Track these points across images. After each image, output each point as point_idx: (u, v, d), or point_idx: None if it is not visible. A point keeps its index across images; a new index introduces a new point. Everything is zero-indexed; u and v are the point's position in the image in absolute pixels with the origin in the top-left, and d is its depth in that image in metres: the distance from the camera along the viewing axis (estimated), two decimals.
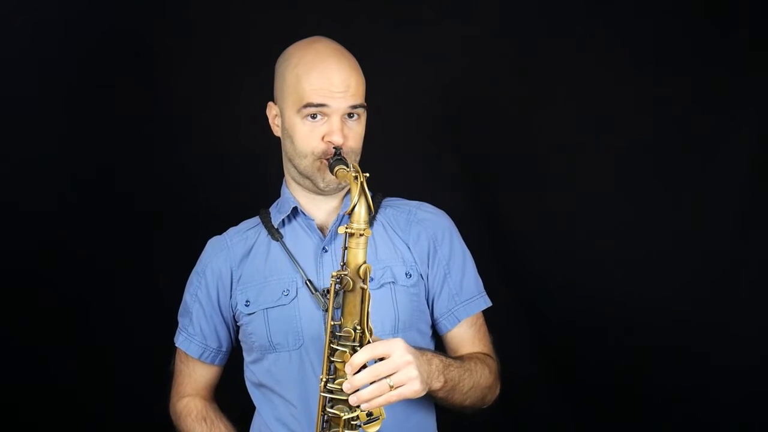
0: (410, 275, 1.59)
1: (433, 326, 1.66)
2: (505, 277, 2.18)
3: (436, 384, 1.44)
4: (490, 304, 1.67)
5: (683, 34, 2.08)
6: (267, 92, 1.66)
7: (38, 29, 2.20)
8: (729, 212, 2.07)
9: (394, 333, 1.55)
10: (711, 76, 2.06)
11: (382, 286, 1.56)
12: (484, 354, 1.63)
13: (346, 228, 1.37)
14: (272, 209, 1.69)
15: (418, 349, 1.43)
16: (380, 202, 1.68)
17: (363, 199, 1.37)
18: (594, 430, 2.22)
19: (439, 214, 1.68)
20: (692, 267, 2.11)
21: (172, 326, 1.77)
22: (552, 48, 2.17)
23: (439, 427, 1.66)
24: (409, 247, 1.62)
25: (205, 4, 2.28)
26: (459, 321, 1.63)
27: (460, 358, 1.57)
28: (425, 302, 1.63)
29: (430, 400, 1.57)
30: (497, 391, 1.62)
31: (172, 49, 2.27)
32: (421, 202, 1.70)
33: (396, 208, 1.67)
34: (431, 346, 1.64)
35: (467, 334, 1.64)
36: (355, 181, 1.38)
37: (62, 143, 2.24)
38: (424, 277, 1.62)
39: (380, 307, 1.55)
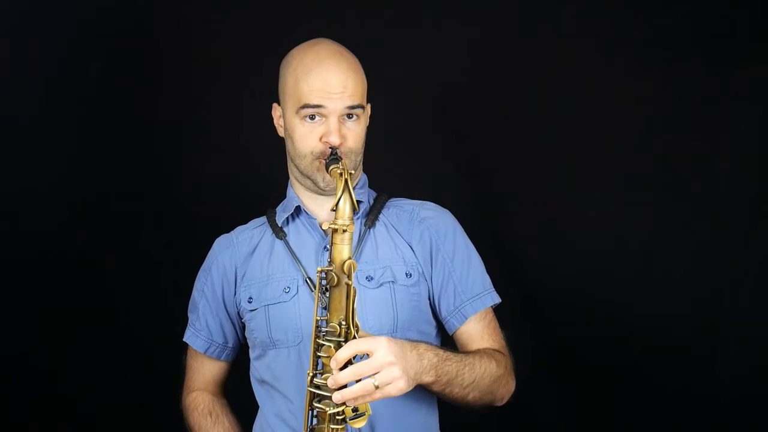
0: (410, 275, 1.59)
1: (442, 325, 1.64)
2: (505, 277, 2.16)
3: (427, 378, 1.42)
4: (498, 300, 1.65)
5: (683, 33, 2.09)
6: (269, 93, 1.66)
7: (41, 30, 2.20)
8: (729, 212, 2.07)
9: (393, 332, 1.54)
10: (711, 73, 2.06)
11: (381, 285, 1.56)
12: (493, 349, 1.60)
13: (331, 224, 1.38)
14: (278, 209, 1.71)
15: (412, 342, 1.43)
16: (384, 203, 1.68)
17: (347, 195, 1.37)
18: (594, 430, 2.22)
19: (441, 212, 1.68)
20: (692, 267, 2.11)
21: (173, 326, 1.78)
22: (552, 48, 2.17)
23: (441, 426, 1.65)
24: (411, 247, 1.62)
25: (206, 5, 2.29)
26: (466, 318, 1.61)
27: (463, 353, 1.55)
28: (427, 302, 1.62)
29: (431, 397, 1.57)
30: (511, 388, 1.60)
31: (174, 51, 2.28)
32: (424, 201, 1.70)
33: (399, 208, 1.67)
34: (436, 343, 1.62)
35: (475, 331, 1.62)
36: (340, 177, 1.39)
37: (63, 142, 2.24)
38: (427, 277, 1.61)
39: (379, 306, 1.55)
